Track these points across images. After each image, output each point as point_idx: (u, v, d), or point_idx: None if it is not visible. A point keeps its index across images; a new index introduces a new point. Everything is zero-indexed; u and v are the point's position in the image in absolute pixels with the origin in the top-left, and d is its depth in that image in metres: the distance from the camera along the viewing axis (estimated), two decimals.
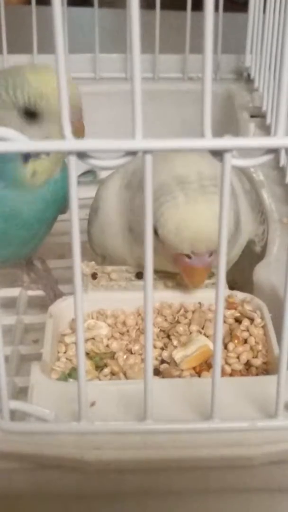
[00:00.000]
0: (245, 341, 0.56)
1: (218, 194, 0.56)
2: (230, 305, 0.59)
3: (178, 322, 0.58)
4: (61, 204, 0.66)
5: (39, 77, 0.60)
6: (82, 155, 0.38)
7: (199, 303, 0.60)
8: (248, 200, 0.66)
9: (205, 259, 0.56)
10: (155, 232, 0.56)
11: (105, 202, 0.66)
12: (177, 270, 0.59)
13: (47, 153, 0.60)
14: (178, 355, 0.54)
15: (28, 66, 0.62)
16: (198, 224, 0.56)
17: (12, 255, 0.71)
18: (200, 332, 0.57)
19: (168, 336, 0.58)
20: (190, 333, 0.57)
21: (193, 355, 0.54)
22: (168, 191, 0.57)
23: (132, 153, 0.37)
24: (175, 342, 0.56)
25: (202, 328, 0.58)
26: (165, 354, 0.56)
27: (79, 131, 0.61)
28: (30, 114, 0.60)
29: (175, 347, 0.56)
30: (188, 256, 0.56)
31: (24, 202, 0.64)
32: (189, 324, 0.58)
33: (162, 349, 0.56)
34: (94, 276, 0.63)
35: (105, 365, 0.55)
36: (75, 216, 0.39)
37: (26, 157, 0.60)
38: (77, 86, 0.62)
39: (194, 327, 0.57)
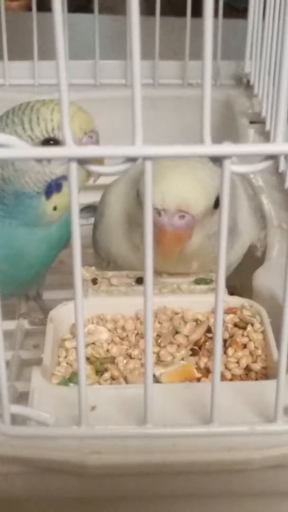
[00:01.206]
0: (245, 346, 0.57)
1: (201, 163, 0.57)
2: (229, 310, 0.59)
3: (176, 332, 0.58)
4: (65, 242, 0.66)
5: (52, 109, 0.61)
6: (82, 161, 0.38)
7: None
8: (251, 206, 0.67)
9: (175, 220, 0.56)
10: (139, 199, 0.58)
11: (110, 207, 0.67)
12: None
13: (65, 178, 0.60)
14: (158, 371, 0.54)
15: (36, 102, 0.62)
16: (172, 178, 0.57)
17: (14, 292, 0.72)
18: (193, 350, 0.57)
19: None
20: (174, 357, 0.56)
21: (174, 370, 0.54)
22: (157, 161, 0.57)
23: (132, 159, 0.38)
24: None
25: (196, 341, 0.58)
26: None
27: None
28: (52, 144, 0.60)
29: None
30: (159, 214, 0.56)
31: (33, 241, 0.64)
32: (182, 336, 0.58)
33: (159, 353, 0.57)
34: (94, 281, 0.63)
35: (105, 370, 0.55)
36: (76, 223, 0.39)
37: (49, 192, 0.61)
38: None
39: (182, 346, 0.57)
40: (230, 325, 0.58)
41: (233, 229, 0.64)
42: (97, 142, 0.64)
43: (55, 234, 0.65)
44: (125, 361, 0.56)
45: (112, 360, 0.56)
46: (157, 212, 0.57)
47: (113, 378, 0.55)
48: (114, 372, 0.55)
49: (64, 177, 0.61)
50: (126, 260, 0.65)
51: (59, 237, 0.66)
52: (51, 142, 0.60)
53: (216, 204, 0.58)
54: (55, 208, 0.62)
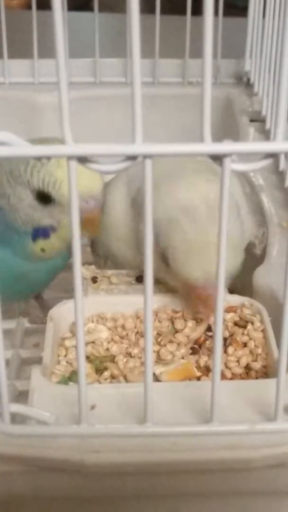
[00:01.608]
0: (245, 345, 0.57)
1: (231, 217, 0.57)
2: (229, 309, 0.59)
3: (176, 331, 0.58)
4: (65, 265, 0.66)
5: (57, 166, 0.58)
6: (82, 159, 0.38)
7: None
8: (248, 203, 0.67)
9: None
10: (165, 260, 0.57)
11: (109, 205, 0.66)
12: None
13: (54, 229, 0.60)
14: (158, 370, 0.54)
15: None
16: (209, 253, 0.54)
17: (16, 301, 0.73)
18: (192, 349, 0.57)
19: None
20: (174, 356, 0.57)
21: (174, 369, 0.54)
22: (176, 222, 0.57)
23: (132, 157, 0.38)
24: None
25: (196, 339, 0.58)
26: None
27: (91, 224, 0.60)
28: (43, 198, 0.59)
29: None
30: (203, 285, 0.56)
31: (32, 270, 0.64)
32: (183, 334, 0.58)
33: (159, 352, 0.57)
34: (94, 279, 0.63)
35: (105, 369, 0.55)
36: (76, 221, 0.39)
37: (36, 236, 0.61)
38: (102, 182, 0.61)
39: (182, 344, 0.57)
40: (230, 324, 0.58)
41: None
42: (94, 209, 0.60)
43: (53, 263, 0.65)
44: (125, 360, 0.56)
45: (112, 358, 0.56)
46: (201, 284, 0.56)
47: (113, 377, 0.55)
48: (114, 371, 0.55)
49: (53, 228, 0.60)
50: (126, 258, 0.65)
51: (59, 265, 0.66)
52: (43, 197, 0.59)
53: None
54: (42, 250, 0.62)
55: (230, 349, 0.56)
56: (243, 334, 0.57)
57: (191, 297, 0.58)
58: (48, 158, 0.57)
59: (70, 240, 0.60)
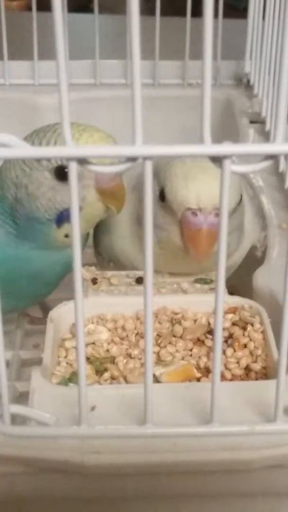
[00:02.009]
0: (245, 346, 0.57)
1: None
2: (229, 310, 0.59)
3: (173, 335, 0.58)
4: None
5: (77, 131, 0.58)
6: (82, 161, 0.38)
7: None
8: (252, 206, 0.67)
9: (211, 218, 0.57)
10: (162, 196, 0.59)
11: None
12: (186, 251, 0.59)
13: (81, 211, 0.58)
14: (158, 371, 0.54)
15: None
16: (206, 176, 0.57)
17: (26, 305, 0.72)
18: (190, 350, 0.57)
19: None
20: (174, 357, 0.57)
21: (174, 370, 0.54)
22: (178, 159, 0.59)
23: (132, 159, 0.38)
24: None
25: (196, 341, 0.58)
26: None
27: (117, 196, 0.60)
28: (63, 174, 0.58)
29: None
30: (194, 214, 0.57)
31: (49, 262, 0.64)
32: (182, 336, 0.58)
33: (159, 353, 0.57)
34: (94, 281, 0.63)
35: (105, 370, 0.55)
36: (76, 222, 0.39)
37: (60, 220, 0.60)
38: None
39: (182, 346, 0.57)
40: (230, 325, 0.58)
41: (242, 229, 0.64)
42: (119, 181, 0.61)
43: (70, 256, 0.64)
44: (125, 361, 0.56)
45: (112, 360, 0.56)
46: (192, 212, 0.57)
47: (113, 378, 0.55)
48: (114, 372, 0.55)
49: (79, 207, 0.59)
50: (129, 257, 0.65)
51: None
52: (65, 170, 0.57)
53: (240, 200, 0.60)
54: (66, 236, 0.60)
55: (230, 351, 0.56)
56: (243, 335, 0.57)
57: (185, 233, 0.58)
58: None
59: (95, 218, 0.61)
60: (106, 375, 0.55)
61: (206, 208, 0.57)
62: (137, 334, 0.58)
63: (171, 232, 0.59)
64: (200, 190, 0.57)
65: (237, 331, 0.58)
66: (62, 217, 0.60)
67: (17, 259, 0.62)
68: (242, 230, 0.65)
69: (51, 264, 0.64)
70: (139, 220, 0.63)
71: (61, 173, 0.58)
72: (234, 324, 0.58)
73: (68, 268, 0.64)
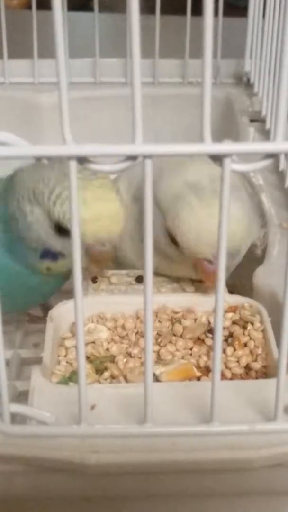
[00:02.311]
0: (245, 345, 0.57)
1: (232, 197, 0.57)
2: (229, 309, 0.59)
3: (173, 334, 0.58)
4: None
5: (82, 204, 0.56)
6: (82, 160, 0.38)
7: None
8: (252, 204, 0.67)
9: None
10: (173, 240, 0.58)
11: None
12: (195, 276, 0.60)
13: (64, 256, 0.59)
14: (158, 370, 0.54)
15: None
16: (215, 225, 0.56)
17: (23, 309, 0.73)
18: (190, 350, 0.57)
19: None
20: (174, 356, 0.57)
21: (174, 369, 0.54)
22: (183, 198, 0.58)
23: (132, 158, 0.38)
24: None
25: (196, 340, 0.58)
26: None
27: (102, 262, 0.59)
28: (61, 230, 0.58)
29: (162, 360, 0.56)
30: (209, 261, 0.57)
31: (44, 282, 0.63)
32: (182, 335, 0.58)
33: (159, 352, 0.57)
34: (94, 279, 0.63)
35: (105, 369, 0.55)
36: (76, 221, 0.39)
37: (43, 256, 0.59)
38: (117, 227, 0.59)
39: (182, 345, 0.57)
40: (230, 324, 0.58)
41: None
42: (108, 250, 0.58)
43: (62, 276, 0.63)
44: (125, 360, 0.56)
45: (112, 359, 0.56)
46: (208, 260, 0.58)
47: (113, 377, 0.55)
48: (114, 371, 0.55)
49: (62, 254, 0.59)
50: (130, 257, 0.65)
51: (68, 275, 0.63)
52: (61, 229, 0.57)
53: None
54: (48, 269, 0.60)
55: (230, 349, 0.56)
56: (243, 334, 0.57)
57: (199, 271, 0.59)
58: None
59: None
60: (106, 374, 0.55)
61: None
62: (137, 333, 0.58)
63: (184, 264, 0.60)
64: (213, 243, 0.56)
65: (237, 330, 0.58)
66: (46, 255, 0.59)
67: (8, 270, 0.62)
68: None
69: (45, 283, 0.63)
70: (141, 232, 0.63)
71: (59, 229, 0.57)
72: (234, 323, 0.58)
73: (61, 284, 0.65)
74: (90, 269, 0.60)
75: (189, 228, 0.57)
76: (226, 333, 0.57)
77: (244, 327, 0.58)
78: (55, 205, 0.57)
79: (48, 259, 0.59)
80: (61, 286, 0.65)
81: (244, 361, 0.55)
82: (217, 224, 0.55)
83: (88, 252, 0.57)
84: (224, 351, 0.56)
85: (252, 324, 0.57)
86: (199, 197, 0.57)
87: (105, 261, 0.59)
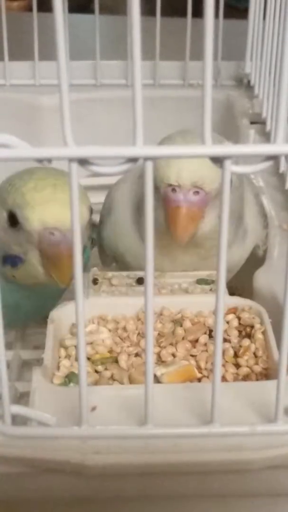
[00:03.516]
0: (246, 348, 0.56)
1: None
2: (229, 311, 0.59)
3: (175, 336, 0.58)
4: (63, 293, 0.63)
5: (31, 189, 0.55)
6: (83, 162, 0.38)
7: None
8: (256, 205, 0.67)
9: (190, 196, 0.57)
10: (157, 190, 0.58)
11: (118, 203, 0.67)
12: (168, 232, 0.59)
13: (22, 260, 0.57)
14: (159, 371, 0.54)
15: (38, 174, 0.57)
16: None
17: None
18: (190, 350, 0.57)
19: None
20: (175, 357, 0.56)
21: (175, 371, 0.54)
22: (170, 136, 0.60)
23: (133, 160, 0.38)
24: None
25: (197, 341, 0.58)
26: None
27: (58, 266, 0.55)
28: (13, 220, 0.56)
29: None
30: (174, 190, 0.57)
31: (23, 297, 0.62)
32: (183, 336, 0.58)
33: (160, 353, 0.57)
34: (95, 281, 0.63)
35: (106, 370, 0.55)
36: (77, 223, 0.39)
37: (4, 262, 0.59)
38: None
39: (182, 346, 0.57)
40: (230, 326, 0.58)
41: (241, 222, 0.64)
42: (60, 245, 0.54)
43: (46, 291, 0.61)
44: (126, 361, 0.56)
45: (113, 360, 0.56)
46: (172, 188, 0.57)
47: (113, 378, 0.54)
48: (115, 372, 0.55)
49: (20, 259, 0.57)
50: (136, 256, 0.65)
51: (51, 295, 0.63)
52: (13, 219, 0.56)
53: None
54: (13, 277, 0.59)
55: (230, 351, 0.56)
56: (243, 336, 0.57)
57: (166, 211, 0.58)
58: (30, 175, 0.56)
59: (33, 279, 0.58)
60: (107, 375, 0.55)
61: (185, 185, 0.57)
62: (138, 334, 0.58)
63: (158, 211, 0.59)
64: (180, 167, 0.57)
65: (237, 331, 0.58)
66: (6, 261, 0.59)
67: None
68: (244, 226, 0.65)
69: (24, 298, 0.62)
70: (140, 217, 0.63)
71: (12, 219, 0.56)
72: (234, 324, 0.58)
73: (44, 303, 0.63)
74: (54, 277, 0.56)
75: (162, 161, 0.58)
76: (226, 335, 0.57)
77: (245, 329, 0.58)
78: (9, 194, 0.56)
79: (8, 265, 0.59)
80: (49, 305, 0.62)
81: (244, 364, 0.55)
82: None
83: (43, 252, 0.55)
84: (224, 353, 0.56)
85: (253, 326, 0.57)
86: (183, 138, 0.59)
87: (63, 260, 0.54)
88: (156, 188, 0.58)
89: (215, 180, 0.57)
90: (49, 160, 0.37)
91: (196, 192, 0.57)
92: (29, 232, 0.55)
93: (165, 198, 0.58)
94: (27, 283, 0.60)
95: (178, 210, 0.57)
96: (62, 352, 0.57)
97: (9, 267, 0.59)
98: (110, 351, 0.57)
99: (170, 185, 0.57)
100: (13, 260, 0.58)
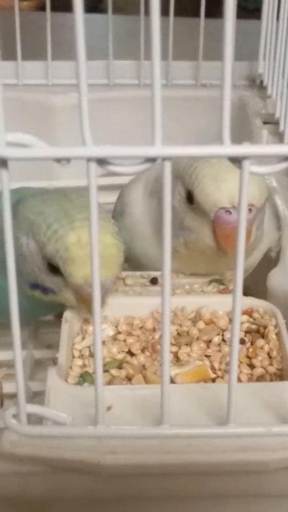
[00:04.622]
0: (260, 348, 0.56)
1: None
2: (244, 311, 0.59)
3: (188, 333, 0.58)
4: None
5: (75, 243, 0.55)
6: (101, 161, 0.38)
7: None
8: (269, 206, 0.67)
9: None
10: (189, 199, 0.58)
11: (131, 205, 0.67)
12: (213, 245, 0.59)
13: (54, 292, 0.58)
14: (173, 372, 0.54)
15: (76, 219, 0.56)
16: (234, 176, 0.56)
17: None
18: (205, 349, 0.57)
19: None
20: (189, 356, 0.56)
21: (188, 371, 0.54)
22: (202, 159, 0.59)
23: (152, 160, 0.38)
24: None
25: (210, 341, 0.57)
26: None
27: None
28: (52, 267, 0.57)
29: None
30: (228, 212, 0.57)
31: (39, 305, 0.62)
32: (198, 337, 0.58)
33: (175, 353, 0.56)
34: None
35: (121, 369, 0.55)
36: (95, 225, 0.39)
37: (34, 287, 0.59)
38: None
39: (197, 346, 0.57)
40: (244, 326, 0.58)
41: (262, 229, 0.65)
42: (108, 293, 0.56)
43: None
44: (141, 361, 0.56)
45: (127, 360, 0.56)
46: (226, 211, 0.57)
47: (129, 378, 0.54)
48: (130, 372, 0.55)
49: (52, 291, 0.58)
50: (152, 259, 0.65)
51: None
52: (53, 267, 0.56)
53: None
54: (39, 297, 0.59)
55: (245, 351, 0.56)
56: (258, 336, 0.57)
57: (220, 232, 0.58)
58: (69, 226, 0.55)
59: (62, 304, 0.59)
60: (122, 374, 0.54)
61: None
62: (153, 334, 0.58)
63: (202, 233, 0.59)
64: (231, 189, 0.57)
65: (252, 332, 0.58)
66: (36, 287, 0.59)
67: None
68: (262, 230, 0.65)
69: (40, 306, 0.62)
70: (159, 224, 0.63)
71: (51, 266, 0.57)
72: (248, 325, 0.58)
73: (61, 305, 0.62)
74: (79, 309, 0.58)
75: (207, 177, 0.58)
76: (241, 335, 0.57)
77: (259, 330, 0.58)
78: (49, 241, 0.56)
79: (38, 290, 0.59)
80: (57, 307, 0.62)
81: (259, 364, 0.55)
82: (237, 178, 0.55)
83: (77, 293, 0.56)
84: (239, 353, 0.55)
85: (267, 326, 0.57)
86: (218, 160, 0.57)
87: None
88: (204, 212, 0.58)
89: (264, 195, 0.58)
90: (68, 160, 0.37)
91: (250, 210, 0.57)
92: (71, 284, 0.56)
93: (218, 220, 0.58)
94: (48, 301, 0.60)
95: (236, 229, 0.57)
96: (76, 352, 0.57)
97: (38, 292, 0.59)
98: (123, 351, 0.57)
99: (223, 207, 0.57)
100: (44, 290, 0.59)
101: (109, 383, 0.54)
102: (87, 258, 0.54)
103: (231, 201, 0.57)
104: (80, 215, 0.56)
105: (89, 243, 0.53)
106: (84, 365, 0.55)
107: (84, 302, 0.55)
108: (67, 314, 0.58)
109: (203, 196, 0.58)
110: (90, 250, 0.40)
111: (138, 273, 0.65)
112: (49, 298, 0.59)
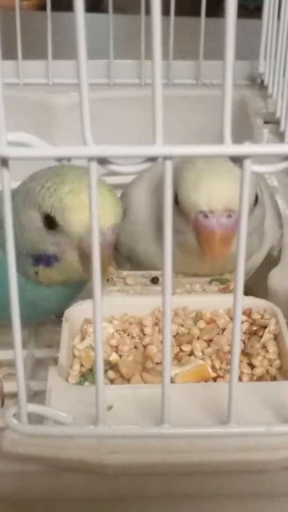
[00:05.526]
0: (261, 347, 0.56)
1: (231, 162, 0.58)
2: (244, 311, 0.59)
3: (188, 333, 0.58)
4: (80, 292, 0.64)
5: (69, 193, 0.55)
6: (102, 161, 0.38)
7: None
8: (272, 206, 0.67)
9: (223, 220, 0.57)
10: (176, 200, 0.58)
11: (134, 204, 0.67)
12: (200, 254, 0.59)
13: (58, 259, 0.57)
14: (173, 372, 0.54)
15: (65, 174, 0.57)
16: (215, 178, 0.56)
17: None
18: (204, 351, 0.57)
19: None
20: (190, 355, 0.56)
21: (188, 371, 0.54)
22: (190, 161, 0.58)
23: (153, 159, 0.38)
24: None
25: (211, 341, 0.57)
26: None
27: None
28: (51, 223, 0.56)
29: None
30: (206, 216, 0.57)
31: (41, 297, 0.62)
32: (198, 336, 0.58)
33: (178, 354, 0.56)
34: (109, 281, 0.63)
35: (117, 370, 0.55)
36: (95, 224, 0.39)
37: (37, 261, 0.59)
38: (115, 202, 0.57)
39: (198, 346, 0.57)
40: (245, 326, 0.58)
41: (263, 230, 0.64)
42: (107, 245, 0.56)
43: (64, 290, 0.62)
44: (139, 361, 0.56)
45: (126, 358, 0.56)
46: (204, 215, 0.57)
47: (125, 378, 0.54)
48: (125, 372, 0.54)
49: (56, 258, 0.57)
50: (153, 259, 0.65)
51: (70, 295, 0.63)
52: (51, 222, 0.56)
53: (256, 200, 0.59)
54: (36, 272, 0.59)
55: (245, 351, 0.56)
56: (258, 336, 0.57)
57: (199, 236, 0.58)
58: (63, 181, 0.56)
59: (69, 276, 0.59)
60: (119, 375, 0.54)
61: (217, 210, 0.56)
62: (154, 333, 0.58)
63: (187, 235, 0.59)
64: (210, 192, 0.57)
65: (252, 332, 0.57)
66: (40, 260, 0.58)
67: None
68: (263, 231, 0.65)
69: (42, 298, 0.62)
70: (160, 222, 0.63)
71: (49, 222, 0.57)
72: (249, 325, 0.58)
73: (65, 302, 0.63)
74: (84, 274, 0.57)
75: (189, 180, 0.58)
76: (241, 335, 0.57)
77: (260, 329, 0.58)
78: (44, 198, 0.56)
79: (42, 264, 0.59)
80: (65, 303, 0.62)
81: (259, 364, 0.55)
82: (217, 181, 0.54)
83: (82, 253, 0.56)
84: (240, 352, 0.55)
85: (268, 326, 0.57)
86: (205, 160, 0.58)
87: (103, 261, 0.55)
88: (186, 213, 0.58)
89: (248, 200, 0.58)
90: (69, 159, 0.37)
91: (229, 216, 0.57)
92: (71, 235, 0.56)
93: (197, 223, 0.58)
94: (49, 282, 0.60)
95: (213, 235, 0.57)
96: (76, 351, 0.57)
97: (42, 266, 0.59)
98: (123, 350, 0.57)
99: (202, 211, 0.57)
100: (48, 260, 0.58)
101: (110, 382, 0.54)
102: (82, 205, 0.55)
103: (209, 205, 0.57)
104: (72, 174, 0.57)
105: (82, 192, 0.55)
106: (83, 364, 0.55)
107: (87, 261, 0.54)
108: (67, 314, 0.58)
109: (183, 198, 0.58)
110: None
111: (139, 272, 0.65)
112: (53, 273, 0.59)
